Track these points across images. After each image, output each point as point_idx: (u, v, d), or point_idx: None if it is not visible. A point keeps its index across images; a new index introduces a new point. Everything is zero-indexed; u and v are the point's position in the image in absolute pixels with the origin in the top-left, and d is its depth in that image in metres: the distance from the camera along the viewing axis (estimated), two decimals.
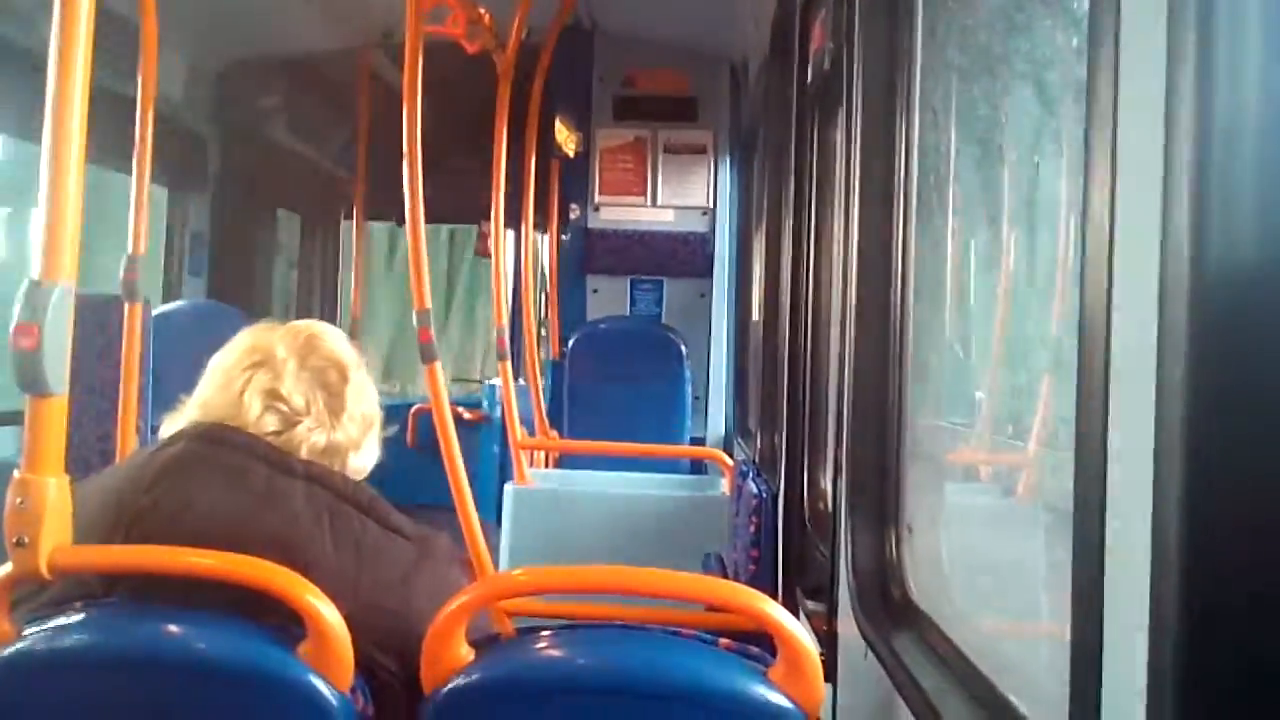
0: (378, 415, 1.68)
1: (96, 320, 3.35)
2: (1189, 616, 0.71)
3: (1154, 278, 0.73)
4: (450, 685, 1.36)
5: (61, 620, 1.37)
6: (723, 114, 5.51)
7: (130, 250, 2.92)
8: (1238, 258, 0.71)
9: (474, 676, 1.37)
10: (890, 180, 1.82)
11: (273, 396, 1.57)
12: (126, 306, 2.90)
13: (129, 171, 2.91)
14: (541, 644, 1.43)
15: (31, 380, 1.36)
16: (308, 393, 1.58)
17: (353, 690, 1.36)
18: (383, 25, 4.96)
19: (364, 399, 1.65)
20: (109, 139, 2.98)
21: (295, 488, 1.50)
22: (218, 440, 1.52)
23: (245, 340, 1.63)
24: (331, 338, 1.67)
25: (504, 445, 4.38)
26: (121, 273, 2.91)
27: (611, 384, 5.09)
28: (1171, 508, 0.72)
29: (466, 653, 1.39)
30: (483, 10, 3.19)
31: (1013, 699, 1.25)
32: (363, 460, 1.65)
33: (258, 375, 1.58)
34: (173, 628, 1.37)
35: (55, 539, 1.36)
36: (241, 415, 1.55)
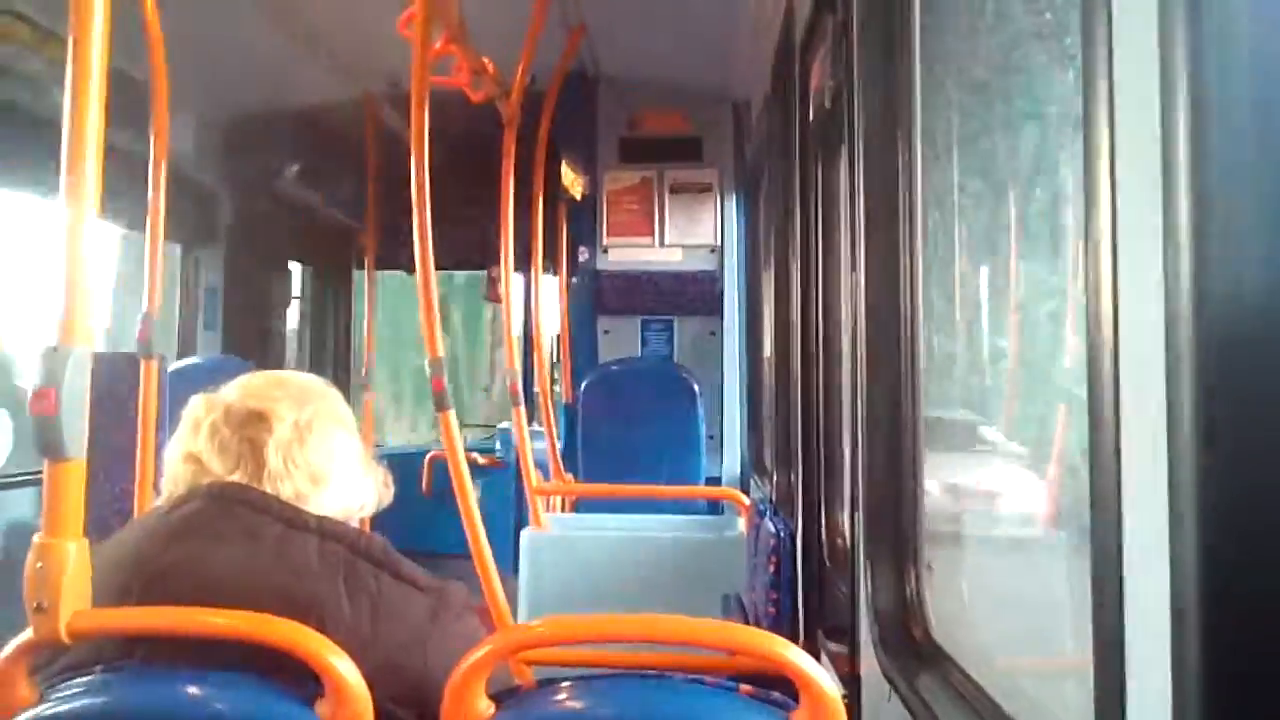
0: (336, 467, 1.62)
1: (112, 378, 3.37)
2: (1213, 646, 0.70)
3: (1159, 300, 0.74)
4: None
5: (82, 684, 1.37)
6: (727, 152, 5.54)
7: (145, 307, 2.95)
8: (1239, 280, 0.71)
9: None
10: (895, 215, 1.82)
11: (193, 460, 1.57)
12: (142, 363, 2.93)
13: (142, 229, 2.94)
14: (563, 695, 1.42)
15: (50, 445, 1.37)
16: (236, 450, 1.56)
17: None
18: (389, 76, 5.03)
19: (308, 450, 1.59)
20: (123, 198, 3.02)
21: (309, 543, 1.50)
22: (231, 499, 1.52)
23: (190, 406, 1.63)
24: (257, 387, 1.63)
25: (519, 491, 4.38)
26: (137, 330, 2.94)
27: (625, 426, 5.09)
28: (1188, 537, 0.71)
29: (486, 706, 1.38)
30: (487, 60, 3.23)
31: None
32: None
33: (188, 438, 1.59)
34: (193, 689, 1.37)
35: (74, 604, 1.36)
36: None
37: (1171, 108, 0.72)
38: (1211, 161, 0.71)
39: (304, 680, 1.35)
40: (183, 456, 1.59)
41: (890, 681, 1.64)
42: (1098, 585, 0.86)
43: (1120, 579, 0.81)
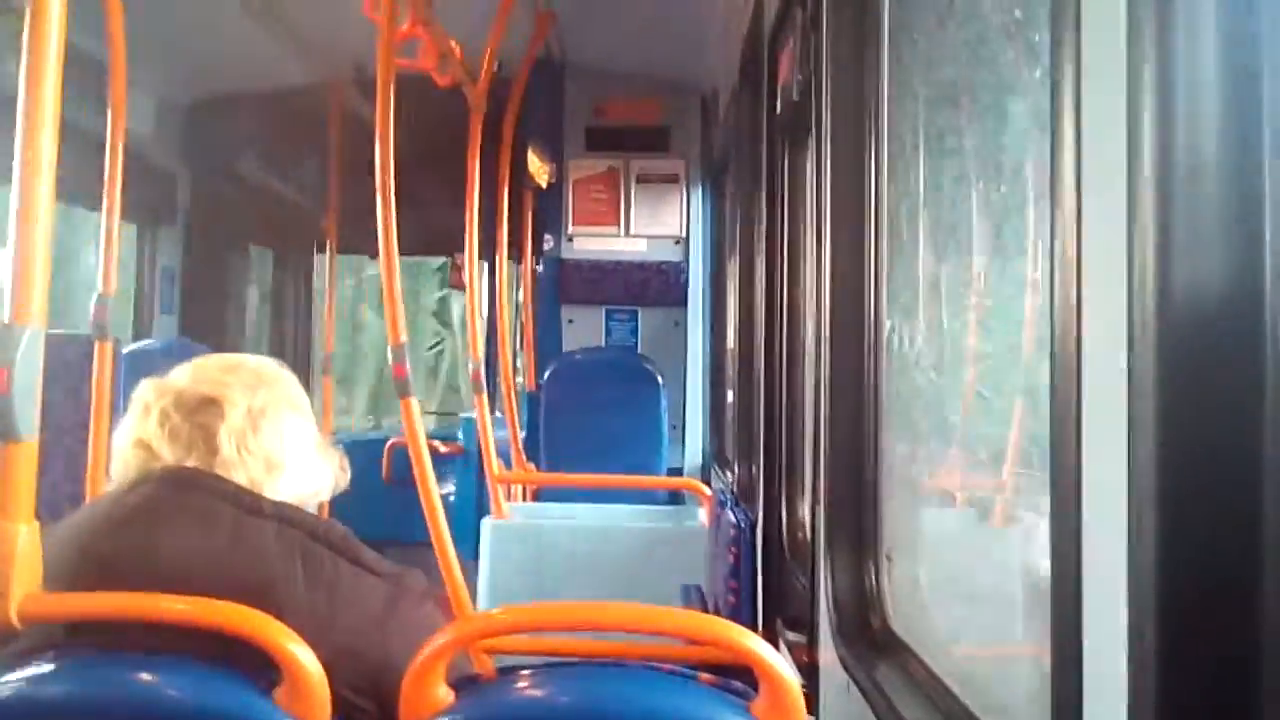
0: (291, 454, 1.59)
1: (65, 360, 3.31)
2: (1169, 641, 0.71)
3: (1122, 300, 0.74)
4: None
5: (33, 669, 1.34)
6: (694, 143, 5.54)
7: (100, 289, 2.89)
8: (1202, 280, 0.72)
9: (455, 719, 1.35)
10: (861, 207, 1.83)
11: (143, 446, 1.54)
12: (96, 345, 2.88)
13: (98, 209, 2.89)
14: (522, 684, 1.41)
15: (1, 425, 1.34)
16: (188, 437, 1.54)
17: None
18: (354, 59, 4.97)
19: (261, 437, 1.56)
20: (79, 177, 2.97)
21: (266, 529, 1.48)
22: (185, 483, 1.50)
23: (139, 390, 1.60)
24: (208, 372, 1.60)
25: (480, 479, 4.36)
26: (91, 312, 2.89)
27: (588, 415, 5.08)
28: (1148, 531, 0.72)
29: (445, 694, 1.37)
30: (454, 43, 3.20)
31: None
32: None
33: (137, 424, 1.56)
34: (145, 676, 1.35)
35: (25, 587, 1.34)
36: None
37: (1137, 104, 0.72)
38: (1175, 155, 0.71)
39: (261, 668, 1.34)
40: (133, 443, 1.57)
41: (848, 671, 1.66)
42: (1056, 576, 0.87)
43: (1078, 569, 0.82)
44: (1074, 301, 0.83)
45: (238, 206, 5.92)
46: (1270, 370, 0.69)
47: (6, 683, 1.32)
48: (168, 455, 1.53)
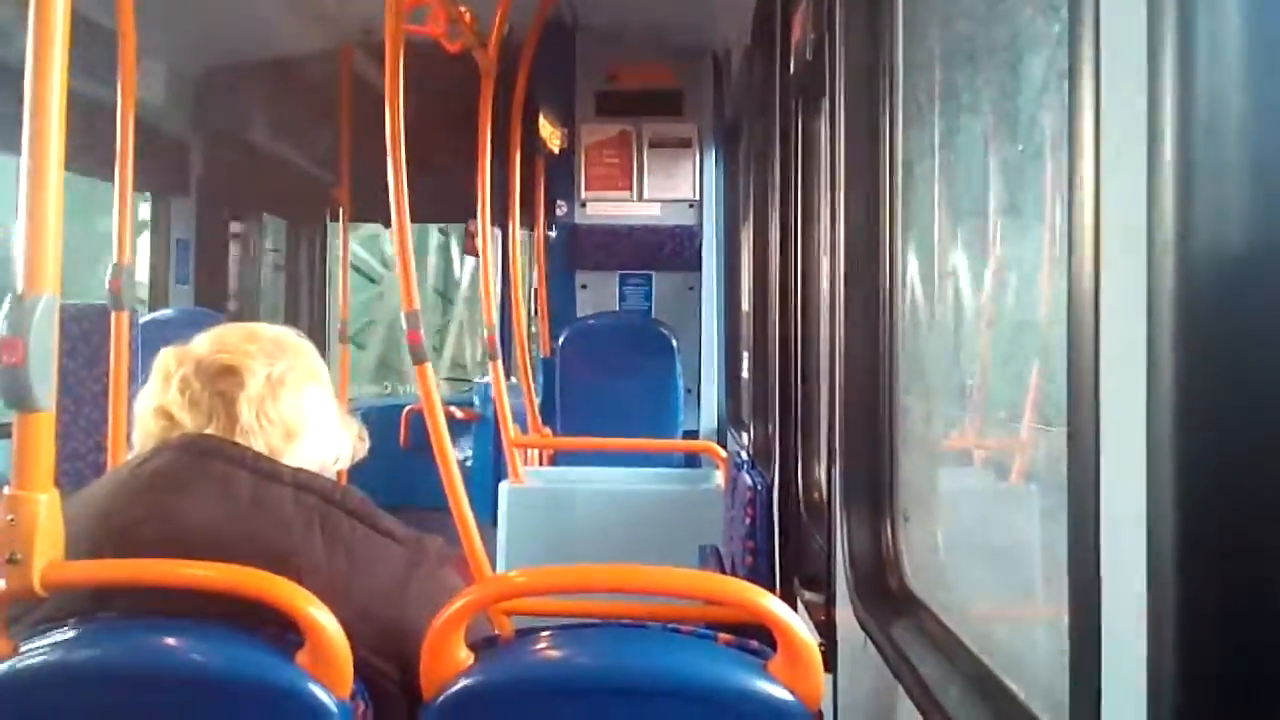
0: (309, 422, 1.60)
1: (82, 331, 3.34)
2: (1187, 599, 0.71)
3: (1142, 261, 0.73)
4: (451, 689, 1.36)
5: (58, 636, 1.36)
6: (706, 106, 5.50)
7: (115, 258, 2.90)
8: (1224, 239, 0.71)
9: (475, 679, 1.37)
10: (876, 168, 1.81)
11: (163, 414, 1.55)
12: (113, 315, 2.89)
13: (111, 179, 2.89)
14: (541, 645, 1.43)
15: (18, 396, 1.35)
16: (208, 405, 1.54)
17: (352, 697, 1.35)
18: (363, 25, 4.94)
19: (280, 405, 1.57)
20: (90, 147, 2.97)
21: (284, 494, 1.49)
22: (204, 451, 1.51)
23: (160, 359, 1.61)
24: (228, 340, 1.60)
25: (497, 444, 4.38)
26: (107, 282, 2.90)
27: (603, 380, 5.09)
28: (1166, 492, 0.72)
29: (466, 656, 1.38)
30: (463, 9, 3.18)
31: (1011, 684, 1.25)
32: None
33: (158, 392, 1.57)
34: (170, 640, 1.37)
35: (48, 555, 1.36)
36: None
37: (1158, 58, 0.71)
38: (1196, 111, 0.70)
39: (282, 632, 1.36)
40: (153, 411, 1.58)
41: (866, 630, 1.66)
42: (1074, 534, 0.87)
43: (1097, 526, 0.82)
44: (1092, 260, 0.82)
45: (250, 175, 5.92)
46: None
47: (31, 650, 1.34)
48: (188, 423, 1.54)
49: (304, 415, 1.60)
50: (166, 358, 1.60)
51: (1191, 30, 0.70)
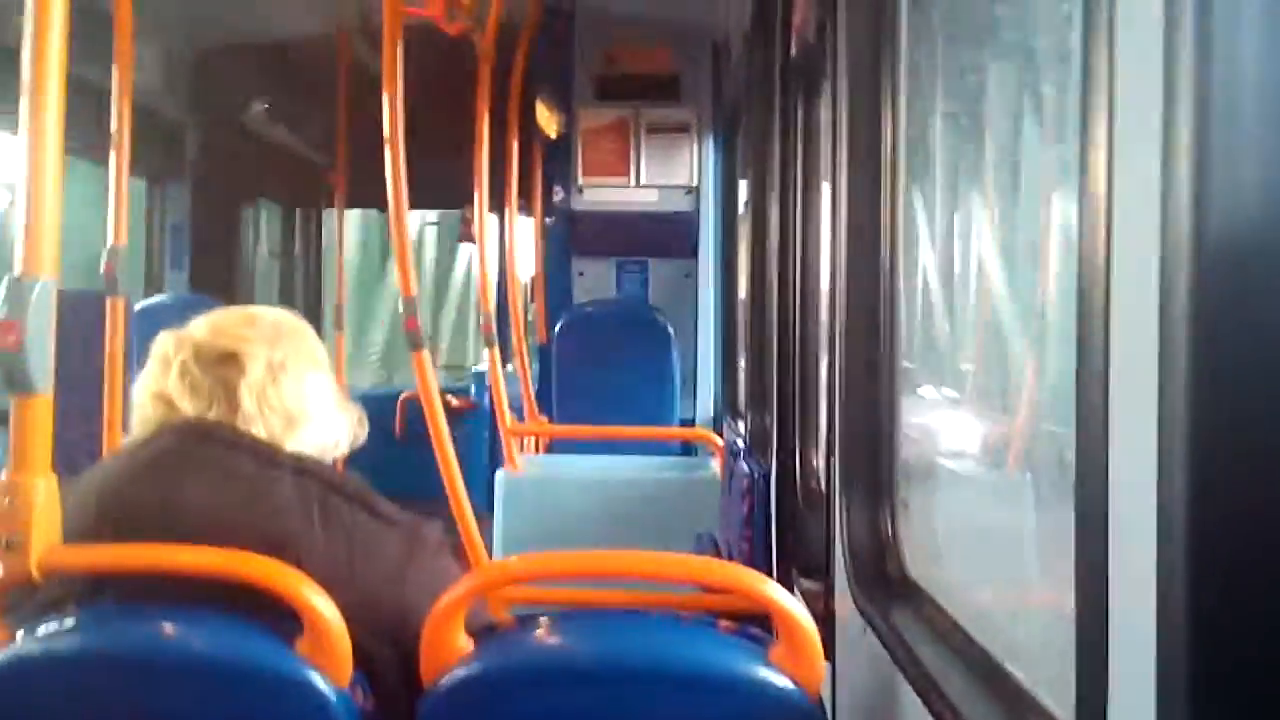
0: (311, 408, 1.59)
1: (77, 316, 3.31)
2: (1196, 591, 0.71)
3: (1154, 252, 0.72)
4: (451, 676, 1.35)
5: (56, 623, 1.35)
6: (705, 91, 5.47)
7: (110, 243, 2.88)
8: (1239, 231, 0.69)
9: (474, 666, 1.36)
10: (877, 153, 1.80)
11: (162, 399, 1.53)
12: (108, 301, 2.87)
13: (106, 163, 2.87)
14: (541, 631, 1.42)
15: (15, 379, 1.34)
16: (208, 391, 1.53)
17: (352, 684, 1.35)
18: (360, 8, 4.91)
19: (281, 391, 1.55)
20: (86, 130, 2.94)
21: (283, 480, 1.48)
22: (202, 435, 1.50)
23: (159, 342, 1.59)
24: (227, 325, 1.58)
25: (494, 432, 4.37)
26: (102, 266, 2.88)
27: (600, 367, 5.07)
28: (1177, 484, 0.71)
29: (465, 642, 1.38)
30: None
31: (1013, 670, 1.25)
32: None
33: (157, 377, 1.55)
34: (168, 627, 1.36)
35: (45, 540, 1.35)
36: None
37: (1174, 30, 0.70)
38: (1214, 100, 0.69)
39: (281, 618, 1.35)
40: (152, 395, 1.56)
41: (865, 617, 1.66)
42: (1082, 525, 0.86)
43: (1105, 517, 0.81)
44: (1104, 249, 0.81)
45: (246, 160, 5.89)
46: None
47: (29, 636, 1.33)
48: (188, 408, 1.53)
49: (305, 401, 1.58)
50: (165, 342, 1.59)
51: (1208, 12, 0.69)
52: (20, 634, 1.34)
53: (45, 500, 1.35)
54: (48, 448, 1.38)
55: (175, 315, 1.68)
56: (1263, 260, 0.69)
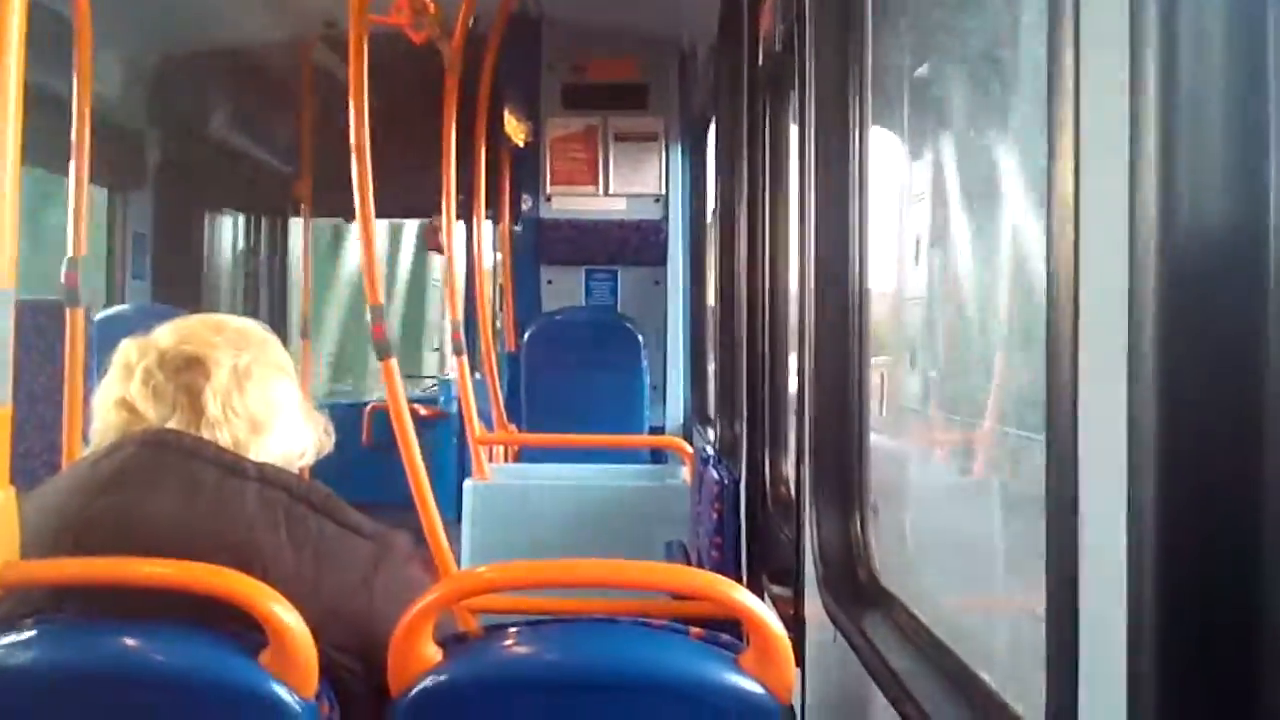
0: (276, 415, 1.57)
1: (36, 326, 3.26)
2: (1166, 593, 0.71)
3: (1123, 258, 0.73)
4: (419, 686, 1.34)
5: (14, 637, 1.32)
6: (673, 100, 5.48)
7: (70, 253, 2.84)
8: (1205, 232, 0.70)
9: (443, 676, 1.35)
10: (846, 159, 1.81)
11: (125, 406, 1.51)
12: (68, 312, 2.83)
13: (65, 173, 2.83)
14: (510, 641, 1.41)
15: None
16: (172, 397, 1.50)
17: (318, 696, 1.33)
18: (325, 15, 4.88)
19: (247, 397, 1.53)
20: (45, 140, 2.90)
21: (248, 489, 1.46)
22: (165, 445, 1.48)
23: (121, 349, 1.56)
24: (192, 331, 1.56)
25: (462, 441, 4.35)
26: (62, 277, 2.84)
27: (569, 375, 5.06)
28: (1146, 491, 0.71)
29: (434, 653, 1.36)
30: None
31: (984, 675, 1.25)
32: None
33: (119, 383, 1.53)
34: (130, 641, 1.33)
35: (3, 554, 1.32)
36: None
37: (1140, 32, 0.70)
38: (1180, 103, 0.70)
39: (246, 631, 1.33)
40: (114, 403, 1.54)
41: (835, 623, 1.66)
42: (1052, 530, 0.86)
43: (1074, 517, 0.82)
44: (1071, 257, 0.81)
45: (209, 169, 5.83)
46: (1273, 311, 0.68)
47: None
48: (151, 415, 1.51)
49: (270, 408, 1.56)
50: (128, 348, 1.56)
51: (1172, 19, 0.70)
52: None
53: (4, 513, 1.33)
54: (6, 459, 1.35)
55: (137, 325, 1.65)
56: (1224, 261, 0.70)
